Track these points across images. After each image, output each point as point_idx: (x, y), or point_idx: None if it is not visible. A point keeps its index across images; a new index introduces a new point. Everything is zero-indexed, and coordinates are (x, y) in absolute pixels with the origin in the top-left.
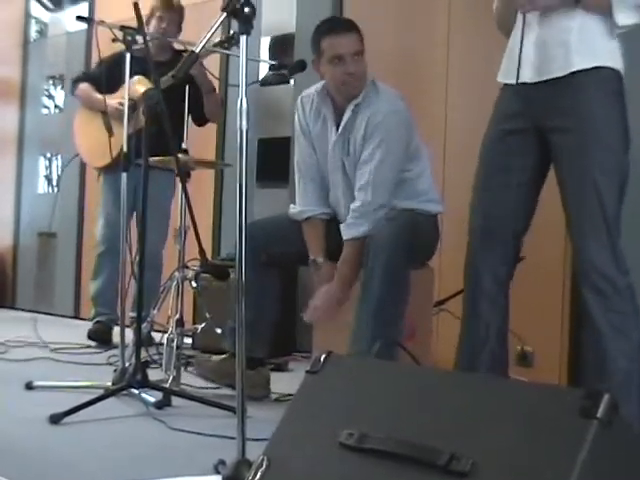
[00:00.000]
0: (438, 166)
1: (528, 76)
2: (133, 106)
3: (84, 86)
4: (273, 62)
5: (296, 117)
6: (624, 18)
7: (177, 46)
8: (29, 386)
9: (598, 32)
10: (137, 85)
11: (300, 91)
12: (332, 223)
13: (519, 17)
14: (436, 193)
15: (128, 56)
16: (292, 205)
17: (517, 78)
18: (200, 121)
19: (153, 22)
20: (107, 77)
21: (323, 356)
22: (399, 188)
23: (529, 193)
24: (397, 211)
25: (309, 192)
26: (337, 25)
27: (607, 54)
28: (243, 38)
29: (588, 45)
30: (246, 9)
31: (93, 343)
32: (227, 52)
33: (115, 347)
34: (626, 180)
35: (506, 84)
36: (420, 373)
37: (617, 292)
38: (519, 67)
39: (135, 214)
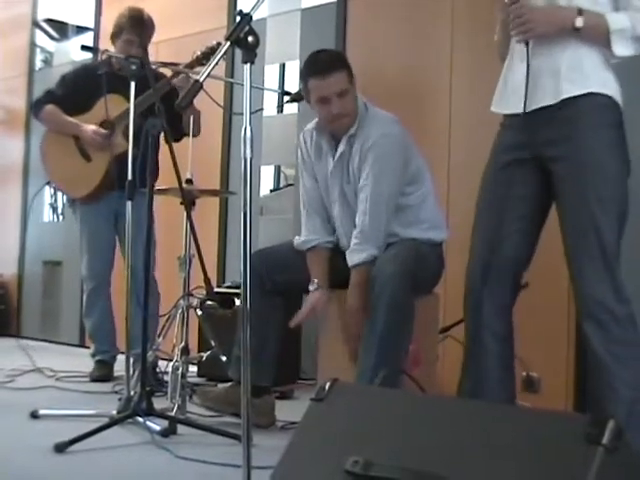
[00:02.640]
0: (442, 190)
1: (520, 106)
2: (111, 129)
3: (50, 108)
4: (277, 90)
5: (298, 151)
6: (622, 50)
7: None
8: (34, 415)
9: (590, 61)
10: (112, 105)
11: (304, 119)
12: (336, 253)
13: (516, 47)
14: (440, 218)
15: (133, 85)
16: (297, 237)
17: (524, 108)
18: (179, 137)
19: (120, 44)
20: (75, 97)
21: (328, 384)
22: (401, 215)
23: (531, 224)
24: (401, 242)
25: (313, 222)
26: (322, 66)
27: (600, 82)
28: (247, 66)
29: (579, 73)
30: (250, 38)
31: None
32: (231, 80)
33: (117, 378)
34: (625, 208)
35: (505, 115)
36: (425, 401)
37: (617, 322)
38: (526, 97)
39: (122, 243)
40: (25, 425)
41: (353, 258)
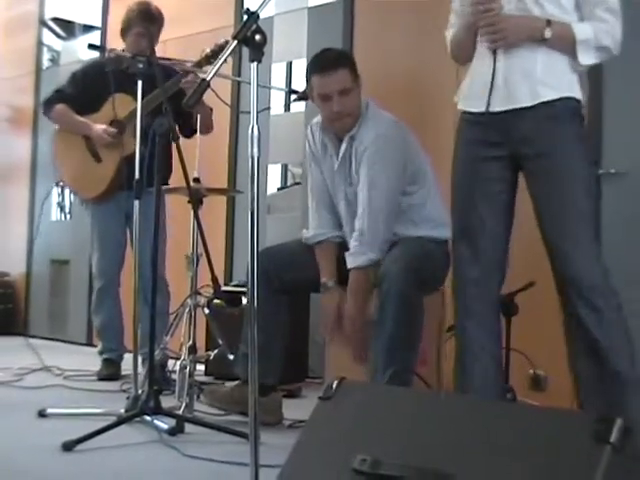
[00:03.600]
0: (447, 189)
1: (497, 105)
2: (121, 129)
3: (60, 108)
4: (284, 88)
5: (306, 144)
6: (586, 59)
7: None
8: (42, 413)
9: (561, 65)
10: (120, 104)
11: (311, 117)
12: (344, 248)
13: (486, 52)
14: (445, 217)
15: (140, 83)
16: (305, 230)
17: (488, 106)
18: (191, 134)
19: (130, 38)
20: (86, 96)
21: (335, 382)
22: (405, 214)
23: (507, 219)
24: (406, 240)
25: (322, 216)
26: (325, 63)
27: (569, 86)
28: (254, 65)
29: (552, 77)
30: (257, 37)
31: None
32: (238, 79)
33: (125, 377)
34: (597, 187)
35: (474, 113)
36: (432, 399)
37: (611, 309)
38: (490, 96)
39: (132, 241)
40: (33, 424)
41: (352, 260)
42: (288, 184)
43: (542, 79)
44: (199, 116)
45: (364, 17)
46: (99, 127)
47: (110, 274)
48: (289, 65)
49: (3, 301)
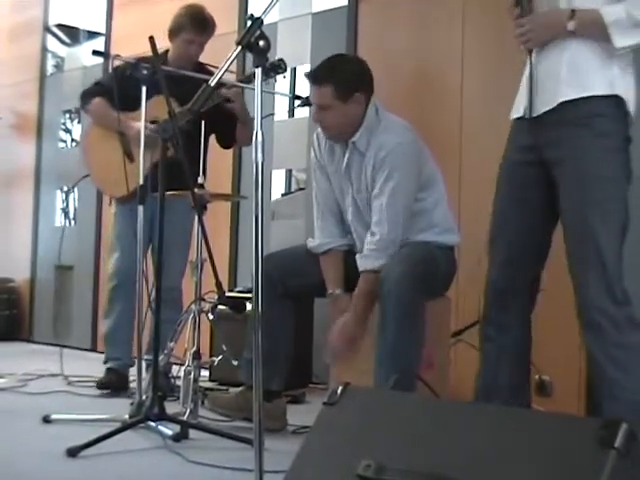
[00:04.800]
0: (453, 193)
1: (523, 111)
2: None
3: (98, 101)
4: (288, 94)
5: (312, 152)
6: (622, 40)
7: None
8: (46, 419)
9: (591, 62)
10: (160, 106)
11: (315, 123)
12: (350, 254)
13: (527, 54)
14: (452, 222)
15: (144, 90)
16: (310, 239)
17: (530, 113)
18: (228, 144)
19: (179, 42)
20: (125, 92)
21: (340, 388)
22: (414, 220)
23: (546, 227)
24: (413, 244)
25: (328, 225)
26: (314, 74)
27: (601, 83)
28: (258, 71)
29: (578, 76)
30: (261, 42)
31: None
32: (242, 85)
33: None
34: (625, 209)
35: (515, 119)
36: (437, 404)
37: (615, 326)
38: (530, 104)
39: (152, 247)
40: (37, 430)
41: (365, 263)
42: (292, 190)
43: (566, 78)
44: (240, 129)
45: (368, 22)
46: (137, 124)
47: (125, 275)
48: (293, 71)
49: (8, 307)
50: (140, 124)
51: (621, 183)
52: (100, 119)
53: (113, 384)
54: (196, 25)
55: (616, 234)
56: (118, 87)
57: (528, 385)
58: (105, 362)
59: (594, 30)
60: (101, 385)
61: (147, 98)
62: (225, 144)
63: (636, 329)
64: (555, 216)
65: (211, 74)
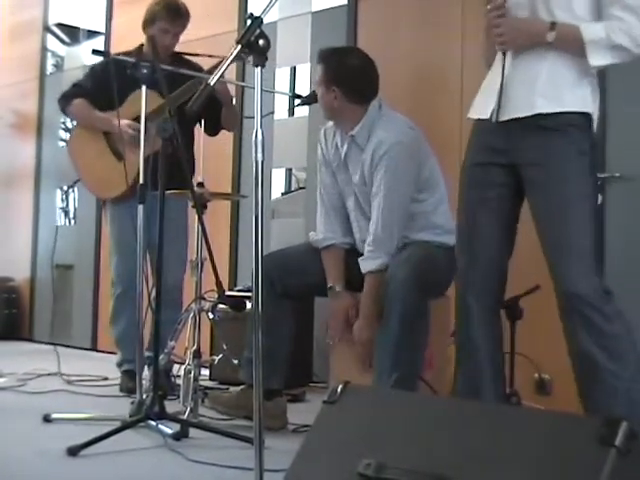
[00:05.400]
0: (453, 191)
1: (500, 113)
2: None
3: (79, 102)
4: (288, 93)
5: (318, 148)
6: (597, 59)
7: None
8: (47, 418)
9: (568, 78)
10: (138, 103)
11: (315, 122)
12: (352, 253)
13: (499, 56)
14: (453, 223)
15: (144, 88)
16: (313, 233)
17: (496, 113)
18: (215, 131)
19: (153, 33)
20: (106, 91)
21: (340, 386)
22: (414, 221)
23: (508, 225)
24: (414, 244)
25: (331, 221)
26: (319, 52)
27: (575, 100)
28: (258, 70)
29: (555, 90)
30: (261, 41)
31: (115, 380)
32: (242, 84)
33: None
34: (596, 204)
35: (480, 120)
36: (437, 403)
37: (605, 318)
38: (499, 106)
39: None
40: (38, 429)
41: (366, 265)
42: (292, 189)
43: (543, 90)
44: (225, 112)
45: (368, 21)
46: (123, 122)
47: (130, 279)
48: (293, 70)
49: (8, 306)
50: (124, 121)
51: (592, 183)
52: (83, 120)
53: (133, 388)
54: (171, 14)
55: (589, 229)
56: (96, 86)
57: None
58: (119, 365)
59: (572, 45)
60: (127, 389)
61: (125, 94)
62: (212, 132)
63: (621, 317)
64: (517, 213)
65: (189, 63)
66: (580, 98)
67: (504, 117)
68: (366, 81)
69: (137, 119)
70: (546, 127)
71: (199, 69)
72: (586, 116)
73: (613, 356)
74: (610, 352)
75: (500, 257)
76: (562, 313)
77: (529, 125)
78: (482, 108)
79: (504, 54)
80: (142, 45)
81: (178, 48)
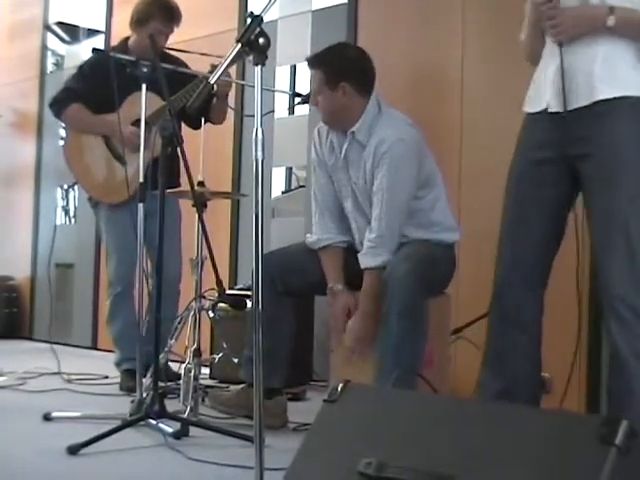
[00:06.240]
0: (453, 191)
1: (555, 106)
2: (148, 129)
3: (75, 108)
4: (288, 92)
5: (312, 148)
6: None
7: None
8: (47, 417)
9: (624, 60)
10: (137, 106)
11: (315, 120)
12: (350, 252)
13: (552, 47)
14: (452, 220)
15: (144, 87)
16: (308, 235)
17: (565, 107)
18: (199, 125)
19: (146, 32)
20: (98, 90)
21: (340, 385)
22: (413, 218)
23: (560, 224)
24: (413, 242)
25: (326, 222)
26: (309, 59)
27: (635, 83)
28: (258, 69)
29: (612, 73)
30: (261, 40)
31: (115, 377)
32: (242, 82)
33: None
34: None
35: (533, 113)
36: (437, 402)
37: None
38: (564, 96)
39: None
40: (38, 427)
41: (367, 261)
42: (292, 187)
43: (600, 75)
44: (217, 104)
45: (368, 20)
46: (127, 129)
47: (128, 279)
48: (293, 68)
49: (8, 305)
50: (129, 127)
51: None
52: (81, 126)
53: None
54: (166, 15)
55: None
56: (87, 87)
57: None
58: (118, 364)
59: (632, 29)
60: (127, 388)
61: (120, 94)
62: (197, 125)
63: None
64: (566, 216)
65: (178, 60)
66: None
67: (559, 108)
68: (369, 69)
69: (137, 122)
70: (605, 115)
71: (185, 67)
72: None
73: (632, 356)
74: (633, 352)
75: (544, 259)
76: (604, 311)
77: (587, 114)
78: (536, 101)
79: (560, 45)
80: (127, 39)
81: (177, 46)
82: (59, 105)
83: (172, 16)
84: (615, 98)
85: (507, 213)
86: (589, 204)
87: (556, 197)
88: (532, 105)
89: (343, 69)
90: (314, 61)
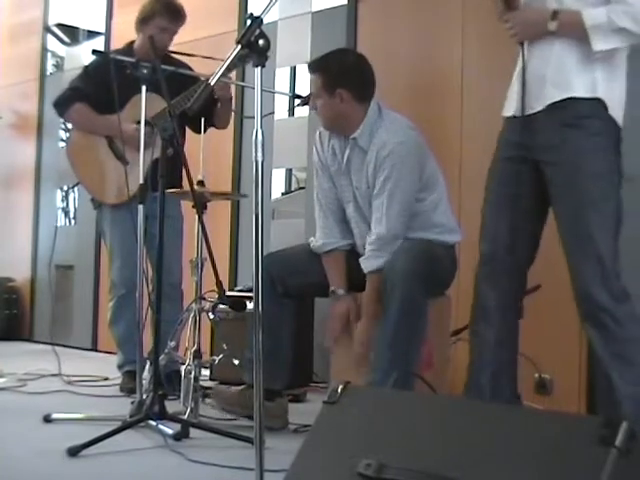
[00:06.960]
0: (454, 193)
1: (517, 110)
2: (151, 129)
3: (80, 107)
4: (288, 93)
5: (314, 151)
6: (600, 44)
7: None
8: (47, 419)
9: (574, 63)
10: (147, 103)
11: (315, 122)
12: (353, 255)
13: (519, 49)
14: (453, 222)
15: (144, 89)
16: (312, 238)
17: (522, 112)
18: (200, 128)
19: (150, 31)
20: (102, 91)
21: (340, 387)
22: (414, 221)
23: (536, 222)
24: (414, 241)
25: (329, 225)
26: (309, 63)
27: (584, 85)
28: (258, 70)
29: (562, 76)
30: (261, 41)
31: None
32: (242, 84)
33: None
34: (619, 207)
35: (507, 117)
36: (437, 403)
37: (616, 321)
38: (523, 101)
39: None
40: (38, 429)
41: (369, 264)
42: (292, 189)
43: (552, 79)
44: (221, 109)
45: (368, 21)
46: (131, 127)
47: (132, 282)
48: (293, 70)
49: (8, 306)
50: (131, 126)
51: (614, 181)
52: (85, 125)
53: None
54: (170, 12)
55: (611, 231)
56: (92, 88)
57: (515, 379)
58: (121, 366)
59: (574, 32)
60: (127, 389)
61: (124, 95)
62: (200, 129)
63: (637, 322)
64: (545, 213)
65: (181, 62)
66: (588, 82)
67: (526, 112)
68: (368, 75)
69: (139, 123)
70: (560, 121)
71: (188, 69)
72: (601, 103)
73: (624, 361)
74: (621, 357)
75: (529, 257)
76: (579, 312)
77: (544, 119)
78: (508, 105)
79: (522, 45)
80: (132, 42)
81: (177, 48)
82: (64, 104)
83: (176, 13)
84: (564, 100)
85: (485, 209)
86: (555, 209)
87: (530, 194)
88: (506, 109)
89: (341, 75)
90: (313, 66)
